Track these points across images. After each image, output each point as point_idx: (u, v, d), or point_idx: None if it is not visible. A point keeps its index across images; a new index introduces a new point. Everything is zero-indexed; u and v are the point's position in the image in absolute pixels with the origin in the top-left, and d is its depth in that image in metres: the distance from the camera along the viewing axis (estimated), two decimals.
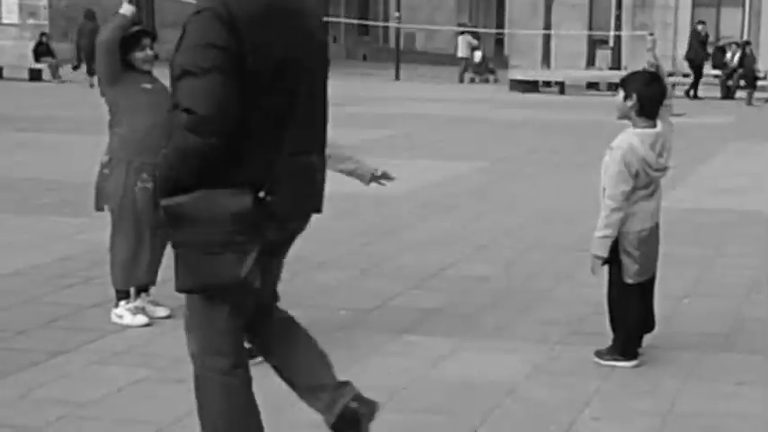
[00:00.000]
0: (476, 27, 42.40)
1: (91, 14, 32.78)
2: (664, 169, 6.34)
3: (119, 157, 7.08)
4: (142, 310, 7.18)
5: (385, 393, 5.88)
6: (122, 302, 7.19)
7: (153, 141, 6.90)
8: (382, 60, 48.86)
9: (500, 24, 55.97)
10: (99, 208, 7.27)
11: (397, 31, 40.86)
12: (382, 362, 6.46)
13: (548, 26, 36.81)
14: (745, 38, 34.46)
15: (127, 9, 6.92)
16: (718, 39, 35.73)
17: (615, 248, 6.31)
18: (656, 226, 6.42)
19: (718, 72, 31.21)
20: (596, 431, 5.45)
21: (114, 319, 7.16)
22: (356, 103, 26.39)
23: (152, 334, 6.91)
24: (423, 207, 11.79)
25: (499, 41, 56.59)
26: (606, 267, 6.45)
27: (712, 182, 13.92)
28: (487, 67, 38.50)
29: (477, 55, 38.27)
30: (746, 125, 22.01)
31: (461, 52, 38.71)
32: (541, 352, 6.67)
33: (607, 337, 6.99)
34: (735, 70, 30.63)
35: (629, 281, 6.34)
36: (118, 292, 7.22)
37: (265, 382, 4.67)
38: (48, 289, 7.99)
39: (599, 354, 6.50)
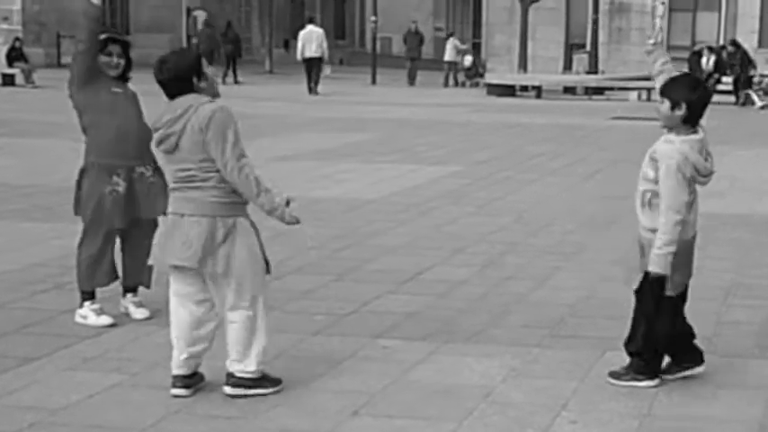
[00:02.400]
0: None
1: (209, 22, 37.93)
2: (710, 174, 6.08)
3: (89, 161, 7.14)
4: (101, 311, 7.17)
5: (362, 397, 5.84)
6: (87, 303, 7.19)
7: (122, 144, 7.04)
8: (358, 64, 48.84)
9: (477, 29, 56.03)
10: (77, 212, 7.31)
11: (374, 35, 40.80)
12: (358, 366, 6.40)
13: (524, 30, 36.87)
14: (720, 42, 34.59)
15: None
16: (693, 44, 35.85)
17: None
18: (695, 235, 6.19)
19: None
20: None
21: (78, 319, 7.17)
22: (333, 108, 26.36)
23: (125, 339, 6.84)
24: (399, 211, 11.75)
25: (476, 46, 56.65)
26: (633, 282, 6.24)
27: None
28: (477, 71, 38.37)
29: (468, 59, 38.19)
30: (724, 129, 22.04)
31: (448, 56, 38.71)
32: (518, 355, 6.63)
33: (584, 340, 6.98)
34: (710, 75, 30.73)
35: (672, 293, 6.09)
36: (83, 292, 7.24)
37: None
38: (20, 294, 7.91)
39: (615, 375, 6.21)
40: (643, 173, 6.10)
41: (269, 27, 44.82)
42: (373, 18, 40.51)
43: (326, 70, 31.95)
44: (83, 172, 7.19)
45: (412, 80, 38.29)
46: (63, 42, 41.00)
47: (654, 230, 5.97)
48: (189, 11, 41.82)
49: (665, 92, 6.06)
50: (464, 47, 38.85)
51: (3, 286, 8.14)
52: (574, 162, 16.40)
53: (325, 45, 31.53)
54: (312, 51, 31.30)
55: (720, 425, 5.58)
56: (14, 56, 32.36)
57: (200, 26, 38.43)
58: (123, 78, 7.23)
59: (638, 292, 6.22)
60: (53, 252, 9.27)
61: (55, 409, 5.62)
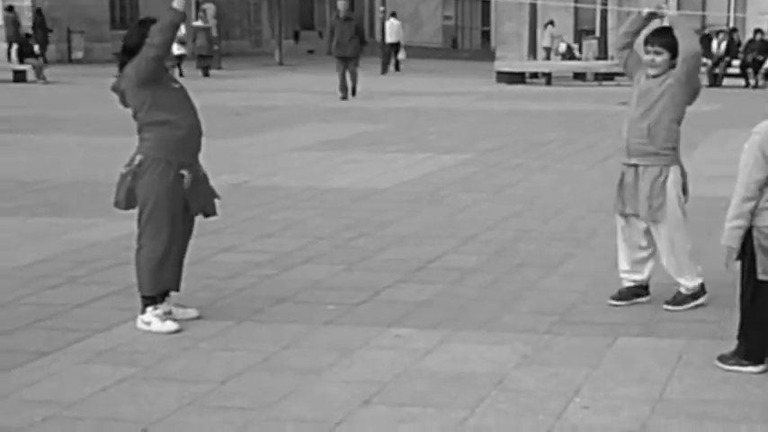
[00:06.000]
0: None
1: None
2: None
3: (156, 156, 6.82)
4: (169, 315, 6.99)
5: (373, 386, 5.84)
6: (149, 308, 6.93)
7: (191, 140, 6.91)
8: (367, 54, 48.79)
9: (486, 16, 56.00)
10: (128, 207, 6.97)
11: (383, 24, 40.93)
12: (370, 355, 6.41)
13: (533, 17, 36.78)
14: (731, 25, 34.47)
15: (179, 3, 6.72)
16: (703, 27, 35.73)
17: (750, 244, 6.00)
18: None
19: (705, 60, 31.23)
20: (586, 420, 5.41)
21: (140, 325, 6.91)
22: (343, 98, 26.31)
23: (137, 332, 6.86)
24: (410, 200, 11.74)
25: (485, 33, 56.60)
26: (739, 264, 6.16)
27: (701, 169, 13.87)
28: (572, 57, 38.08)
29: (563, 46, 38.00)
30: (733, 113, 22.01)
31: (546, 43, 38.74)
32: (530, 342, 6.63)
33: (595, 326, 6.98)
34: (722, 58, 30.64)
35: (763, 277, 6.01)
36: (144, 297, 6.97)
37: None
38: (31, 290, 7.92)
39: (722, 358, 6.18)
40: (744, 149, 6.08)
41: (278, 19, 44.86)
42: (382, 8, 40.56)
43: (401, 54, 40.60)
44: (139, 166, 6.84)
45: (344, 92, 25.90)
46: (73, 38, 41.13)
47: None
48: (198, 4, 41.83)
49: None
50: (560, 34, 38.73)
51: (14, 281, 8.16)
52: (585, 148, 16.37)
53: (401, 34, 39.80)
54: (392, 38, 40.51)
55: (732, 408, 5.57)
56: (26, 52, 32.40)
57: (210, 19, 38.44)
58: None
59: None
60: (63, 247, 9.29)
61: (68, 402, 5.63)
